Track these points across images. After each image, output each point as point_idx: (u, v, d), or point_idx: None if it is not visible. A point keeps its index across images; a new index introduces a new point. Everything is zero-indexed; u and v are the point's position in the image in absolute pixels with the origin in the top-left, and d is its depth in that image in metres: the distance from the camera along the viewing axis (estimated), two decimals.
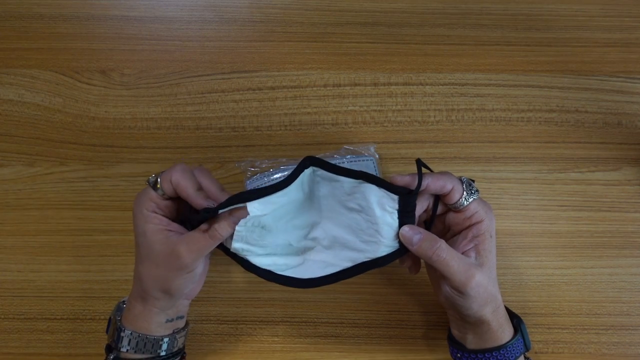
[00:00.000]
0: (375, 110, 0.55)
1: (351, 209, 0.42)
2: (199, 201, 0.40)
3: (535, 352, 0.51)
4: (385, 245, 0.41)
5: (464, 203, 0.42)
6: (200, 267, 0.42)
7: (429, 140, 0.54)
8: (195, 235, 0.40)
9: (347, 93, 0.55)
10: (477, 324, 0.43)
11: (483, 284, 0.41)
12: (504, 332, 0.43)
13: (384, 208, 0.41)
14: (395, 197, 0.41)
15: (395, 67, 0.55)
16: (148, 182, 0.42)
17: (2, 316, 0.51)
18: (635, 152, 0.54)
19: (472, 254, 0.42)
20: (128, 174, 0.53)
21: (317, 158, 0.42)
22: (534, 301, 0.51)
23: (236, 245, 0.41)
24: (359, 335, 0.51)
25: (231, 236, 0.41)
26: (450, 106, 0.55)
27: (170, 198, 0.42)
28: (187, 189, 0.40)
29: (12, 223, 0.53)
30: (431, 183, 0.41)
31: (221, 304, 0.51)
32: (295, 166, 0.43)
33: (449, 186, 0.42)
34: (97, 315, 0.51)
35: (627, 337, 0.51)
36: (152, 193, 0.42)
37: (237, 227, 0.41)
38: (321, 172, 0.42)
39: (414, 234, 0.41)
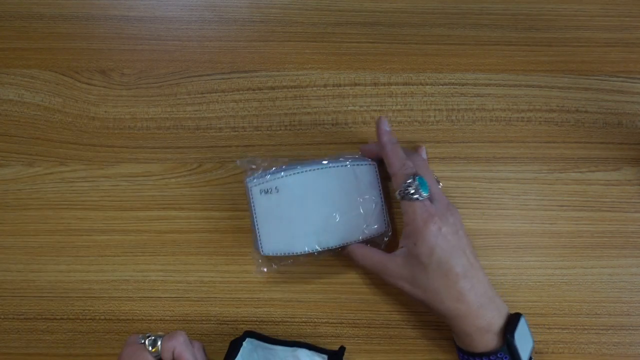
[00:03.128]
0: (375, 110, 0.55)
1: None
2: None
3: (536, 352, 0.51)
4: None
5: (396, 196, 0.45)
6: None
7: (429, 140, 0.54)
8: None
9: (347, 93, 0.55)
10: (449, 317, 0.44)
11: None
12: (482, 339, 0.43)
13: None
14: (325, 356, 0.47)
15: (395, 67, 0.55)
16: (144, 342, 0.42)
17: (2, 316, 0.51)
18: (635, 152, 0.54)
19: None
20: (128, 174, 0.53)
21: (255, 332, 0.49)
22: (534, 301, 0.51)
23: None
24: (359, 335, 0.51)
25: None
26: (450, 106, 0.55)
27: None
28: None
29: (12, 223, 0.53)
30: (388, 152, 0.46)
31: (221, 304, 0.51)
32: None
33: (392, 169, 0.46)
34: (97, 315, 0.51)
35: (627, 337, 0.51)
36: (149, 357, 0.42)
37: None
38: (257, 342, 0.48)
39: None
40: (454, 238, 0.43)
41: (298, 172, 0.48)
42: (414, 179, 0.44)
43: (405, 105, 0.55)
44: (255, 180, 0.48)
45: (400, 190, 0.44)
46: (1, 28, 0.56)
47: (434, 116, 0.55)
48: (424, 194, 0.44)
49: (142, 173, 0.54)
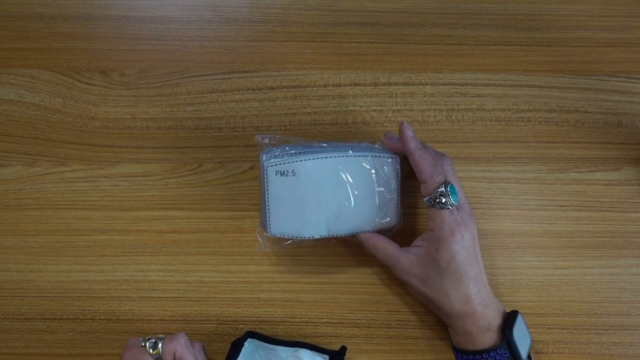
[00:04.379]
0: (375, 110, 0.55)
1: None
2: None
3: (536, 352, 0.51)
4: None
5: (425, 202, 0.45)
6: None
7: (429, 140, 0.54)
8: None
9: (347, 93, 0.55)
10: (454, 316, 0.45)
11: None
12: (482, 337, 0.44)
13: None
14: (326, 356, 0.48)
15: (395, 67, 0.55)
16: (145, 345, 0.42)
17: (2, 316, 0.51)
18: (635, 152, 0.54)
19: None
20: (128, 174, 0.53)
21: (256, 332, 0.49)
22: (534, 301, 0.51)
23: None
24: (359, 335, 0.51)
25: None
26: (450, 106, 0.55)
27: None
28: None
29: (12, 223, 0.53)
30: (417, 159, 0.45)
31: (221, 304, 0.51)
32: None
33: (423, 176, 0.45)
34: (97, 315, 0.51)
35: (627, 337, 0.51)
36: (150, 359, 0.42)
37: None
38: (259, 342, 0.49)
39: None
40: (471, 245, 0.45)
41: (317, 158, 0.46)
42: (445, 188, 0.44)
43: (405, 105, 0.55)
44: (272, 160, 0.47)
45: (430, 199, 0.44)
46: (1, 28, 0.56)
47: (434, 116, 0.55)
48: (454, 203, 0.44)
49: (142, 173, 0.54)
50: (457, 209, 0.45)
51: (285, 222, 0.47)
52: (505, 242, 0.52)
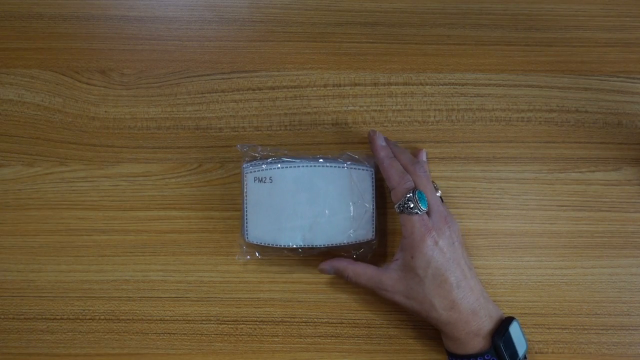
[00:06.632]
0: (375, 110, 0.55)
1: None
2: None
3: (536, 352, 0.51)
4: None
5: (396, 209, 0.46)
6: None
7: (429, 140, 0.54)
8: None
9: (347, 93, 0.55)
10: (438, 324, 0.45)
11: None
12: (471, 342, 0.44)
13: None
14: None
15: (395, 67, 0.55)
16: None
17: (2, 316, 0.51)
18: (635, 152, 0.54)
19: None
20: (128, 174, 0.53)
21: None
22: (534, 301, 0.51)
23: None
24: (359, 335, 0.51)
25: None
26: (450, 106, 0.55)
27: None
28: None
29: (12, 223, 0.53)
30: (386, 166, 0.47)
31: (221, 304, 0.51)
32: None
33: (391, 183, 0.46)
34: (97, 315, 0.51)
35: (627, 337, 0.51)
36: None
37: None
38: None
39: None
40: (449, 250, 0.45)
41: (294, 166, 0.48)
42: (413, 194, 0.45)
43: (405, 105, 0.55)
44: (251, 167, 0.49)
45: (399, 204, 0.45)
46: (1, 28, 0.56)
47: (434, 116, 0.55)
48: (423, 209, 0.45)
49: (142, 173, 0.54)
50: (428, 215, 0.46)
51: (262, 229, 0.49)
52: (505, 242, 0.52)
